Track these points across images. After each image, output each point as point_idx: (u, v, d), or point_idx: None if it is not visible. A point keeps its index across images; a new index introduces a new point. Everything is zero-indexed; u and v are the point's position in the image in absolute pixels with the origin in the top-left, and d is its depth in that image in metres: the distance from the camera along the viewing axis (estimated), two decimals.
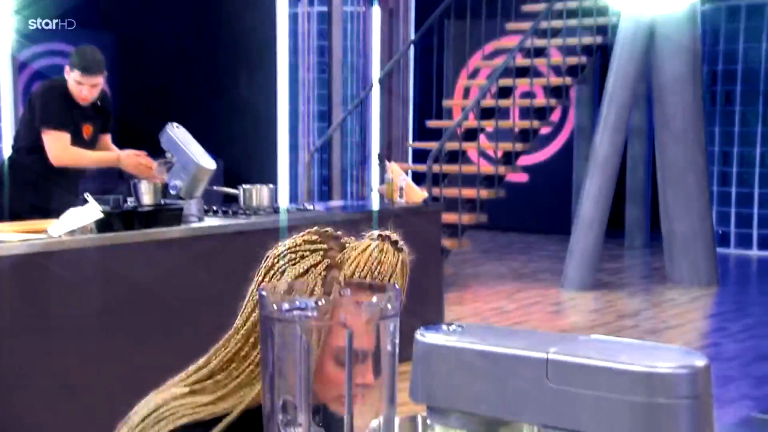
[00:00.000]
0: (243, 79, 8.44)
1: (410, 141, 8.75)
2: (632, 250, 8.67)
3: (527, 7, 7.88)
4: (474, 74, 8.44)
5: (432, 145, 6.79)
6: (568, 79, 7.48)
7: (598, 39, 7.53)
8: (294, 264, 1.12)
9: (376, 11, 8.32)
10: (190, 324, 3.53)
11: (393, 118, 8.63)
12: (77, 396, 3.25)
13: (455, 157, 7.04)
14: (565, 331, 5.50)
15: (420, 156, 7.97)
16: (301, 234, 1.17)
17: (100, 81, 3.94)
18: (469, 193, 6.90)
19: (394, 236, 1.17)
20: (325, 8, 8.31)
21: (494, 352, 0.89)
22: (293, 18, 8.40)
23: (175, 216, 3.65)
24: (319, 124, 8.57)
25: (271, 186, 4.35)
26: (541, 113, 7.41)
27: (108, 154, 4.09)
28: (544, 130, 8.31)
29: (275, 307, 0.77)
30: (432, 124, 7.81)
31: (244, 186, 4.27)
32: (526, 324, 5.69)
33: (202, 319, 3.52)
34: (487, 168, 7.23)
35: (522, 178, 8.95)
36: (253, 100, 8.46)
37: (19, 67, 7.52)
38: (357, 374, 1.05)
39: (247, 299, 1.18)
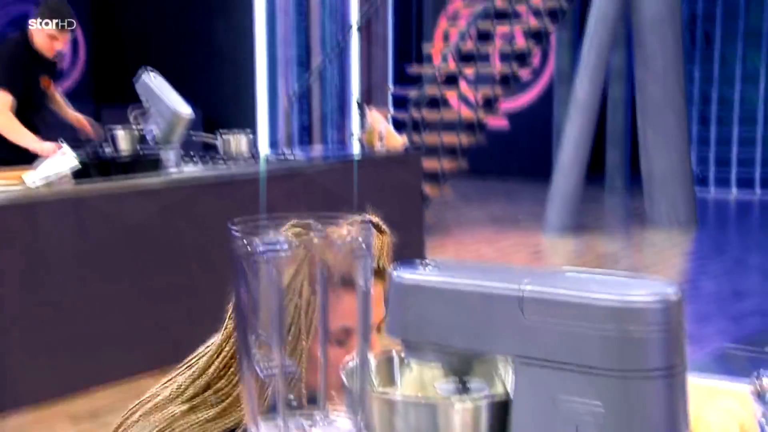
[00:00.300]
0: (220, 24, 8.32)
1: (390, 86, 8.69)
2: (612, 193, 8.72)
3: None
4: (454, 18, 8.36)
5: (413, 93, 6.75)
6: (549, 23, 7.42)
7: None
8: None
9: None
10: (169, 272, 3.53)
11: (373, 63, 8.56)
12: (58, 345, 3.25)
13: (436, 103, 7.00)
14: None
15: (401, 102, 7.93)
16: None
17: (69, 37, 3.88)
18: (450, 139, 6.88)
19: (375, 219, 1.14)
20: None
21: (468, 289, 0.89)
22: None
23: (153, 163, 3.63)
24: (298, 69, 8.49)
25: (249, 133, 4.33)
26: (522, 58, 7.36)
27: (32, 143, 3.77)
28: (525, 75, 8.26)
29: (245, 243, 0.76)
30: (412, 69, 7.75)
31: (222, 132, 4.24)
32: None
33: (181, 266, 3.52)
34: (467, 114, 7.20)
35: (502, 123, 8.94)
36: (230, 46, 8.35)
37: None
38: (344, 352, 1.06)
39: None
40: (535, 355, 0.86)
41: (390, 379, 0.99)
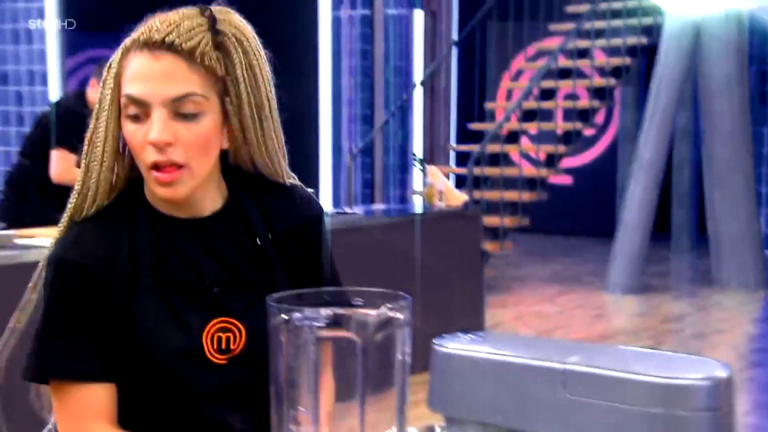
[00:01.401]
0: (286, 84, 8.47)
1: (452, 143, 8.73)
2: (678, 253, 8.54)
3: (571, 8, 7.80)
4: (517, 76, 8.39)
5: (474, 148, 6.77)
6: (612, 81, 7.39)
7: (643, 39, 7.42)
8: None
9: (419, 14, 8.31)
10: None
11: (435, 121, 8.61)
12: None
13: (497, 159, 7.00)
14: (609, 336, 5.43)
15: (463, 159, 7.94)
16: None
17: None
18: (511, 195, 6.85)
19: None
20: (367, 12, 8.32)
21: (511, 362, 0.88)
22: (336, 22, 8.43)
23: None
24: (362, 127, 8.58)
25: (312, 191, 4.38)
26: (585, 115, 7.33)
27: None
28: (588, 132, 8.22)
29: (285, 317, 0.77)
30: (474, 126, 7.78)
31: None
32: (569, 328, 5.63)
33: None
34: (529, 170, 7.17)
35: (565, 180, 8.88)
36: (296, 105, 8.48)
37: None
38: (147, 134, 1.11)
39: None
40: None
41: None
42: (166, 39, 1.09)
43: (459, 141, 8.82)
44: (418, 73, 8.39)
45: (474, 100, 8.10)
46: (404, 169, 8.56)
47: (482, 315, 5.01)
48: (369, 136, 7.88)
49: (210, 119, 1.13)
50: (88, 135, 1.15)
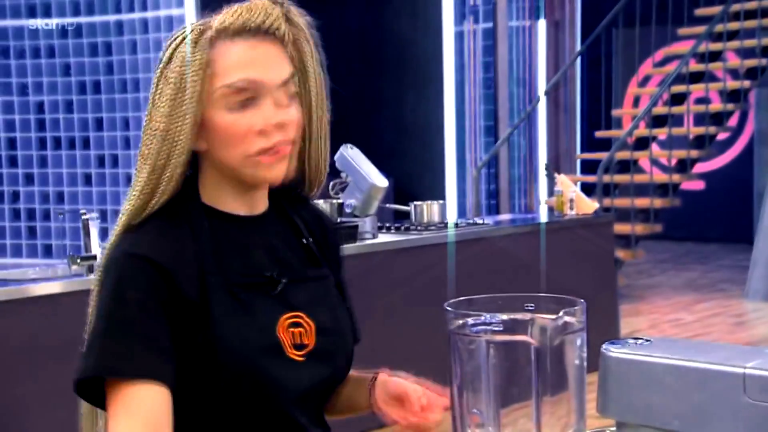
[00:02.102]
0: (411, 98, 8.56)
1: (578, 152, 8.56)
2: None
3: (700, 11, 7.53)
4: (644, 82, 8.17)
5: (601, 156, 6.62)
6: (747, 83, 7.09)
7: None
8: (170, 46, 1.10)
9: (542, 24, 8.22)
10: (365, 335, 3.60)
11: (560, 130, 8.48)
12: None
13: (626, 166, 6.83)
14: (751, 344, 5.19)
15: (588, 167, 7.78)
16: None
17: None
18: (642, 202, 6.66)
19: None
20: (490, 25, 8.29)
21: (687, 367, 0.85)
22: (459, 36, 8.44)
23: (351, 233, 3.74)
24: (486, 139, 8.54)
25: (441, 202, 4.39)
26: (718, 118, 7.06)
27: None
28: (722, 136, 7.90)
29: (461, 323, 0.77)
30: (601, 134, 7.62)
31: (415, 203, 4.32)
32: (707, 336, 5.41)
33: (374, 330, 3.59)
34: (660, 176, 6.96)
35: (698, 185, 8.56)
36: (420, 118, 8.56)
37: None
38: (275, 116, 1.07)
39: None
40: None
41: None
42: (262, 26, 1.08)
43: (585, 149, 8.65)
44: (542, 84, 8.29)
45: (600, 107, 7.93)
46: (529, 179, 8.46)
47: (617, 323, 4.88)
48: (493, 148, 7.83)
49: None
50: (157, 132, 1.08)
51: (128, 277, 1.04)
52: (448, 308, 0.78)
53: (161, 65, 1.10)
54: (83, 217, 3.09)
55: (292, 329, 1.11)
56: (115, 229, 1.10)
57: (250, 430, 1.09)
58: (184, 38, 1.09)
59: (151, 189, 1.08)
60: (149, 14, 6.62)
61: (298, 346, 1.10)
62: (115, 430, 1.01)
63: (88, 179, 6.89)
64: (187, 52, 1.08)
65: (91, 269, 3.02)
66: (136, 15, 6.68)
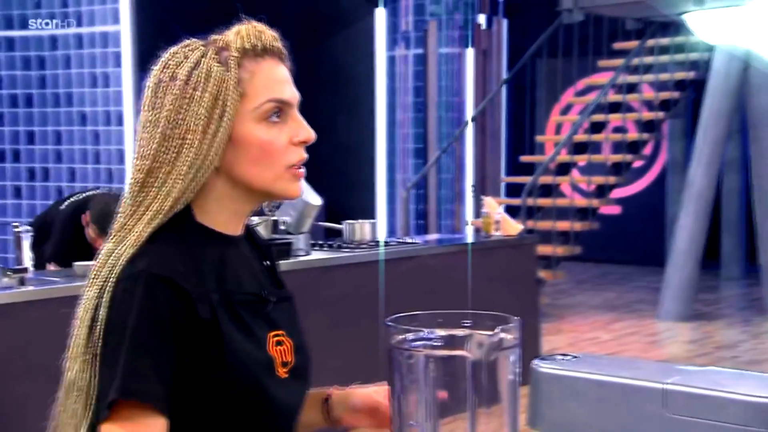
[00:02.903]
0: (344, 120, 8.59)
1: (503, 176, 8.71)
2: (729, 281, 8.37)
3: (618, 45, 7.78)
4: (566, 110, 8.38)
5: (525, 180, 6.75)
6: (661, 114, 7.33)
7: (691, 74, 7.37)
8: (181, 64, 1.09)
9: (470, 53, 8.36)
10: None
11: (487, 154, 8.61)
12: None
13: (548, 190, 6.97)
14: (664, 362, 5.33)
15: (512, 190, 7.92)
16: (173, 48, 1.13)
17: None
18: (563, 225, 6.81)
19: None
20: (421, 51, 8.39)
21: (612, 382, 0.88)
22: (391, 60, 8.52)
23: (285, 250, 3.73)
24: (416, 161, 8.62)
25: (372, 221, 4.41)
26: (634, 147, 7.28)
27: None
28: (637, 164, 8.14)
29: (402, 338, 0.78)
30: (525, 159, 7.77)
31: (348, 221, 4.33)
32: (623, 354, 5.54)
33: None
34: (580, 201, 7.13)
35: (615, 210, 8.78)
36: (353, 139, 8.60)
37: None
38: (296, 132, 1.10)
39: (148, 117, 1.09)
40: None
41: None
42: (275, 47, 1.11)
43: (509, 173, 8.81)
44: (469, 109, 8.42)
45: (524, 133, 8.09)
46: (457, 200, 8.56)
47: (539, 341, 4.96)
48: (423, 170, 7.91)
49: None
50: (192, 149, 1.06)
51: (150, 301, 1.02)
52: (389, 323, 0.79)
53: (177, 84, 1.08)
54: (15, 230, 3.01)
55: (278, 347, 1.11)
56: (131, 234, 1.07)
57: None
58: (199, 57, 1.08)
59: (176, 201, 1.06)
60: (84, 30, 6.50)
61: (284, 364, 1.11)
62: None
63: (17, 192, 6.71)
64: (214, 70, 1.07)
65: (22, 281, 2.94)
66: (71, 30, 6.56)
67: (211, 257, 1.08)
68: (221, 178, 1.09)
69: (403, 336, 0.79)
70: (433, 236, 6.77)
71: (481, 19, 8.44)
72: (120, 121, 6.46)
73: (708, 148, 6.56)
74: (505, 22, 8.65)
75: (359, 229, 4.28)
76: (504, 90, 8.48)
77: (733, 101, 6.67)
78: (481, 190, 8.08)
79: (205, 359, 1.03)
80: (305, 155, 1.11)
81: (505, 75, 8.41)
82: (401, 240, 4.65)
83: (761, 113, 6.57)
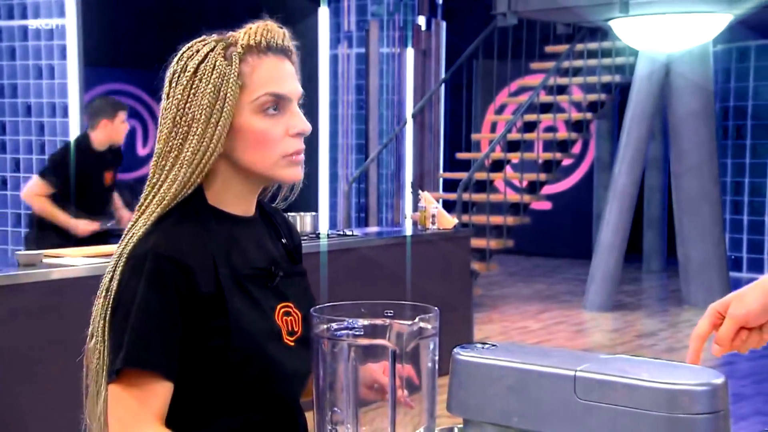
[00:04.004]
0: None
1: (441, 171, 8.77)
2: (650, 274, 8.57)
3: (550, 48, 7.89)
4: (501, 110, 8.46)
5: (461, 175, 6.80)
6: (589, 115, 7.46)
7: (617, 77, 7.51)
8: (192, 57, 1.15)
9: (410, 53, 8.37)
10: None
11: (425, 151, 8.65)
12: None
13: (483, 186, 7.04)
14: (587, 350, 5.44)
15: (450, 185, 7.97)
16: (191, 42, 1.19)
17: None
18: (496, 219, 6.88)
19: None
20: (362, 50, 8.38)
21: (526, 369, 0.89)
22: (333, 59, 8.48)
23: None
24: (357, 156, 8.62)
25: (314, 214, 4.39)
26: (564, 146, 7.39)
27: (65, 222, 4.08)
28: (566, 162, 8.27)
29: (326, 327, 0.78)
30: (461, 155, 7.82)
31: (289, 214, 4.31)
32: (550, 342, 5.64)
33: None
34: (513, 196, 7.21)
35: (546, 205, 8.91)
36: None
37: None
38: (293, 124, 1.15)
39: (164, 105, 1.16)
40: None
41: None
42: (281, 45, 1.16)
43: (447, 169, 8.86)
44: (409, 107, 8.45)
45: (461, 131, 8.15)
46: (396, 195, 8.59)
47: (472, 330, 5.01)
48: (364, 165, 7.91)
49: None
50: (195, 137, 1.13)
51: (156, 277, 1.08)
52: (314, 314, 0.79)
53: (186, 75, 1.14)
54: None
55: (285, 317, 1.17)
56: (143, 216, 1.14)
57: (249, 410, 1.13)
58: (208, 52, 1.14)
59: (183, 185, 1.13)
60: (30, 22, 6.33)
61: (291, 333, 1.16)
62: (115, 420, 1.07)
63: None
64: (218, 64, 1.13)
65: None
66: (16, 23, 6.38)
67: (220, 235, 1.14)
68: (227, 164, 1.16)
69: (328, 325, 0.79)
70: (373, 229, 6.77)
71: (421, 20, 8.46)
72: (65, 113, 6.31)
73: (631, 148, 6.70)
74: (443, 24, 8.69)
75: (300, 221, 4.26)
76: (442, 89, 8.53)
77: (655, 104, 6.83)
78: (419, 184, 8.12)
79: (211, 328, 1.10)
80: (302, 146, 1.17)
81: (443, 75, 8.46)
82: (342, 232, 4.64)
83: (681, 115, 6.74)
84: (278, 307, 1.17)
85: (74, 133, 6.19)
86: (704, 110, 6.70)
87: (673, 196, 6.97)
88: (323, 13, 8.32)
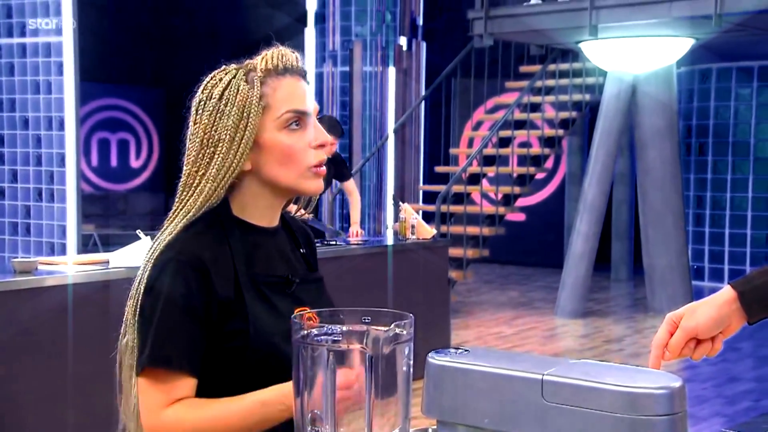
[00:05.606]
0: None
1: (421, 184, 8.79)
2: (617, 282, 8.62)
3: (524, 68, 7.94)
4: (477, 126, 8.50)
5: (440, 188, 6.82)
6: (560, 131, 7.51)
7: (587, 96, 7.57)
8: (216, 85, 1.20)
9: (392, 71, 8.41)
10: None
11: (406, 164, 8.67)
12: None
13: (460, 198, 7.06)
14: (558, 354, 5.46)
15: (429, 197, 7.99)
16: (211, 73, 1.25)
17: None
18: (473, 230, 6.90)
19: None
20: (347, 68, 8.40)
21: (496, 373, 0.90)
22: (319, 77, 8.50)
23: None
24: None
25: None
26: (537, 160, 7.43)
27: None
28: (540, 176, 8.32)
29: (306, 332, 0.78)
30: (440, 169, 7.85)
31: None
32: (523, 347, 5.65)
33: None
34: (489, 208, 7.24)
35: (520, 217, 8.95)
36: None
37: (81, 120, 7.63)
38: (314, 137, 1.20)
39: (191, 131, 1.20)
40: None
41: None
42: (296, 67, 1.21)
43: (426, 182, 8.89)
44: (391, 123, 8.47)
45: (440, 146, 8.19)
46: (378, 206, 8.59)
47: (449, 335, 5.02)
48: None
49: None
50: (221, 154, 1.17)
51: (180, 281, 1.12)
52: (295, 320, 0.79)
53: (212, 102, 1.19)
54: None
55: None
56: (170, 226, 1.18)
57: None
58: (230, 79, 1.19)
59: (208, 197, 1.17)
60: (28, 40, 6.30)
61: None
62: (147, 409, 1.11)
63: None
64: (241, 88, 1.18)
65: None
66: (15, 40, 6.35)
67: (242, 245, 1.18)
68: (253, 179, 1.20)
69: (309, 331, 0.79)
70: (356, 239, 6.77)
71: (402, 41, 8.50)
72: (61, 126, 6.26)
73: (600, 163, 6.75)
74: (423, 45, 8.73)
75: None
76: (422, 106, 8.56)
77: (623, 121, 6.89)
78: (400, 197, 8.13)
79: (230, 331, 1.13)
80: (324, 156, 1.22)
81: (423, 92, 8.49)
82: (327, 242, 4.64)
83: (647, 133, 6.80)
84: (297, 311, 1.18)
85: (70, 145, 6.15)
86: (668, 128, 6.77)
87: (639, 209, 7.03)
88: (309, 33, 8.34)
